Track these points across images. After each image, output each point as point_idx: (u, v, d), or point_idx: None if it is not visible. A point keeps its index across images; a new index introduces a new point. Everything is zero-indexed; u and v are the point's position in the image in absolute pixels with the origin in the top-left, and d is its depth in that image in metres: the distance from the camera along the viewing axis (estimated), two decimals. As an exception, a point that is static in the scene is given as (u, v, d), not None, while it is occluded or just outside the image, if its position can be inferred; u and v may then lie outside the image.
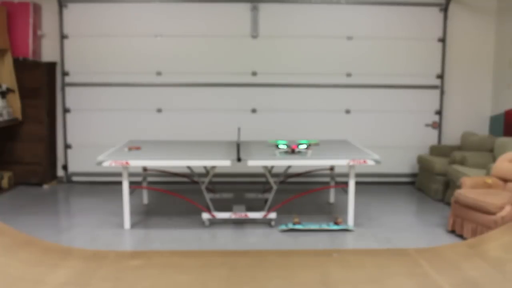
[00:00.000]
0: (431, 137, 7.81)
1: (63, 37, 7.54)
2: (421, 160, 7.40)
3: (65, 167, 7.79)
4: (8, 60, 7.14)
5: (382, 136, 7.70)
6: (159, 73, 7.60)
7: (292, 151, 5.66)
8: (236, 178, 7.49)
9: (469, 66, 7.76)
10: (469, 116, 7.80)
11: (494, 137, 6.84)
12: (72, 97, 7.65)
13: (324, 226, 5.52)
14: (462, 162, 6.47)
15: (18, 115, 7.27)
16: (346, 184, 5.61)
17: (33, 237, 4.73)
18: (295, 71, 7.61)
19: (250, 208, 5.75)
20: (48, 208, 6.47)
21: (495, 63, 7.70)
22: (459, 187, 5.66)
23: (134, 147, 5.92)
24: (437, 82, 7.74)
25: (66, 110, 7.67)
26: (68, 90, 7.64)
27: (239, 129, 6.22)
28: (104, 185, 7.45)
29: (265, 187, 6.49)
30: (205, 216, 5.58)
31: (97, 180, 7.67)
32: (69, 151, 7.76)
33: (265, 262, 4.42)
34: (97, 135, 7.62)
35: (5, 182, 7.19)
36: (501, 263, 4.11)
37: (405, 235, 5.41)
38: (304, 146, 5.76)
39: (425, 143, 7.74)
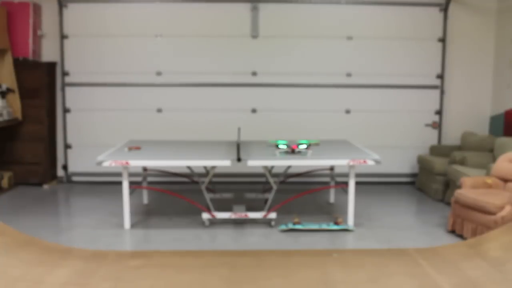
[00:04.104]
0: (431, 137, 7.81)
1: (63, 37, 7.54)
2: (421, 160, 7.40)
3: (65, 167, 7.79)
4: (8, 60, 7.14)
5: (382, 136, 7.70)
6: (159, 73, 7.61)
7: (292, 151, 5.66)
8: (236, 178, 7.49)
9: (469, 66, 7.76)
10: (469, 116, 7.79)
11: (494, 137, 6.84)
12: (72, 97, 7.65)
13: (324, 226, 5.52)
14: (462, 162, 6.47)
15: (18, 115, 7.28)
16: (346, 184, 5.61)
17: (33, 237, 4.74)
18: (295, 71, 7.61)
19: (250, 208, 5.75)
20: (48, 208, 6.47)
21: (495, 63, 7.70)
22: (459, 187, 5.66)
23: (134, 147, 5.92)
24: (437, 82, 7.74)
25: (66, 110, 7.67)
26: (68, 90, 7.64)
27: (239, 129, 6.22)
28: (104, 185, 7.45)
29: (265, 187, 6.49)
30: (205, 216, 5.58)
31: (97, 180, 7.67)
32: (69, 151, 7.76)
33: (265, 262, 4.42)
34: (97, 135, 7.62)
35: (5, 182, 7.20)
36: (501, 263, 4.11)
37: (405, 235, 5.41)
38: (304, 146, 5.75)
39: (425, 143, 7.74)
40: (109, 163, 5.27)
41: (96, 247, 4.87)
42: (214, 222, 5.70)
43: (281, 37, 7.58)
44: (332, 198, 6.67)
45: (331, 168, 6.63)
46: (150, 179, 6.89)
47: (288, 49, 7.59)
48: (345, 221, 5.61)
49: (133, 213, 5.81)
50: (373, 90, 7.69)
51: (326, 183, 6.92)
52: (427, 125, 7.82)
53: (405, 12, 7.58)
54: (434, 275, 4.05)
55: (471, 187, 5.46)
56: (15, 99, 7.22)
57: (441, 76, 7.73)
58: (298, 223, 5.54)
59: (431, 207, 6.57)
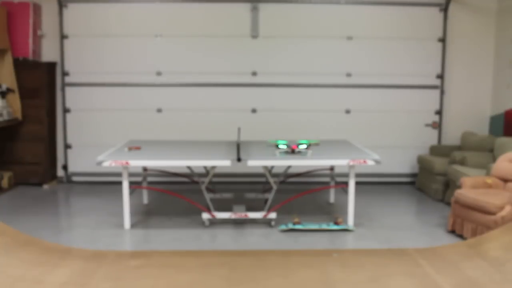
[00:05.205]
0: (431, 137, 7.81)
1: (63, 37, 7.54)
2: (421, 160, 7.40)
3: (65, 167, 7.79)
4: (8, 60, 7.14)
5: (382, 136, 7.71)
6: (159, 73, 7.61)
7: (292, 151, 5.66)
8: (236, 178, 7.49)
9: (469, 66, 7.76)
10: (469, 116, 7.79)
11: (494, 137, 6.84)
12: (72, 97, 7.65)
13: (324, 226, 5.52)
14: (462, 162, 6.47)
15: (18, 115, 7.27)
16: (346, 184, 5.61)
17: (33, 237, 4.74)
18: (295, 71, 7.61)
19: (250, 208, 5.75)
20: (48, 208, 6.47)
21: (495, 63, 7.71)
22: (459, 187, 5.66)
23: (134, 147, 5.92)
24: (437, 82, 7.74)
25: (66, 110, 7.67)
26: (68, 90, 7.64)
27: (239, 129, 6.22)
28: (104, 185, 7.45)
29: (265, 187, 6.49)
30: (205, 216, 5.58)
31: (97, 180, 7.67)
32: (69, 151, 7.77)
33: (265, 262, 4.42)
34: (97, 135, 7.62)
35: (5, 182, 7.20)
36: (501, 263, 4.11)
37: (405, 235, 5.41)
38: (304, 146, 5.76)
39: (425, 143, 7.74)
40: (109, 163, 5.27)
41: (96, 247, 4.87)
42: (214, 222, 5.70)
43: (281, 37, 7.58)
44: (332, 198, 6.67)
45: (331, 168, 6.63)
46: (150, 179, 6.89)
47: (288, 49, 7.59)
48: (345, 221, 5.61)
49: (133, 213, 5.81)
50: (373, 90, 7.69)
51: (326, 183, 6.92)
52: (427, 125, 7.82)
53: (405, 12, 7.58)
54: (434, 275, 4.05)
55: (471, 187, 5.46)
56: (15, 99, 7.22)
57: (441, 76, 7.73)
58: (298, 223, 5.54)
59: (431, 207, 6.57)
